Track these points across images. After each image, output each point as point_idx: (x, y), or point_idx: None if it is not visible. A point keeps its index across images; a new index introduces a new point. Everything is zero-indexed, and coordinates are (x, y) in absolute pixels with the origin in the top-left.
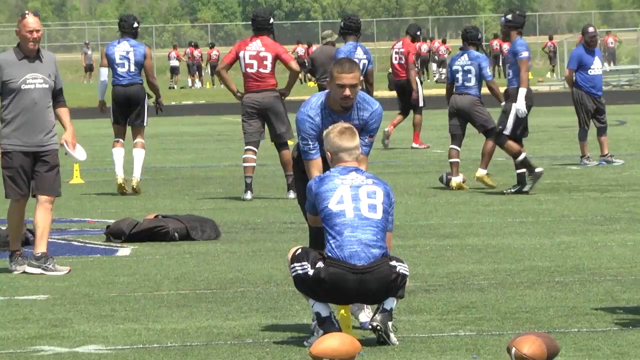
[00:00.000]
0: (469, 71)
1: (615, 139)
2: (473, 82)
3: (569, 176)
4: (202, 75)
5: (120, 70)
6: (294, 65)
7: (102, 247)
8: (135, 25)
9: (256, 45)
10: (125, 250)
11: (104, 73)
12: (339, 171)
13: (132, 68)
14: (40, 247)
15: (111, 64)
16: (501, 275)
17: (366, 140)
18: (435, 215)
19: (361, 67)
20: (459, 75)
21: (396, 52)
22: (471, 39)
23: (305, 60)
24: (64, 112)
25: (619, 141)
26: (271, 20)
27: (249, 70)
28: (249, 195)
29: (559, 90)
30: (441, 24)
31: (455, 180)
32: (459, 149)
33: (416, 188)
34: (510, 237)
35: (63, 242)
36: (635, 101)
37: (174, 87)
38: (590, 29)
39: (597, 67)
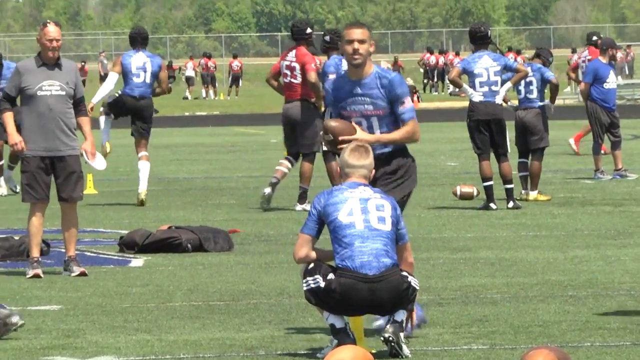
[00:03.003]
0: (530, 83)
1: (630, 153)
2: (535, 93)
3: (582, 190)
4: (215, 86)
5: (135, 80)
6: (310, 76)
7: (115, 257)
8: (147, 36)
9: (291, 55)
10: (138, 261)
11: (114, 79)
12: (348, 185)
13: (148, 79)
14: (68, 252)
15: (126, 73)
16: (514, 289)
17: (400, 107)
18: (449, 229)
19: None
20: (521, 88)
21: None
22: (543, 56)
23: None
24: (84, 121)
25: (633, 155)
26: (308, 30)
27: (284, 79)
28: (267, 190)
29: (573, 104)
30: (455, 37)
31: (532, 194)
32: (527, 161)
33: (429, 201)
34: (523, 251)
35: (76, 252)
36: None
37: (188, 98)
38: (608, 42)
39: (612, 80)
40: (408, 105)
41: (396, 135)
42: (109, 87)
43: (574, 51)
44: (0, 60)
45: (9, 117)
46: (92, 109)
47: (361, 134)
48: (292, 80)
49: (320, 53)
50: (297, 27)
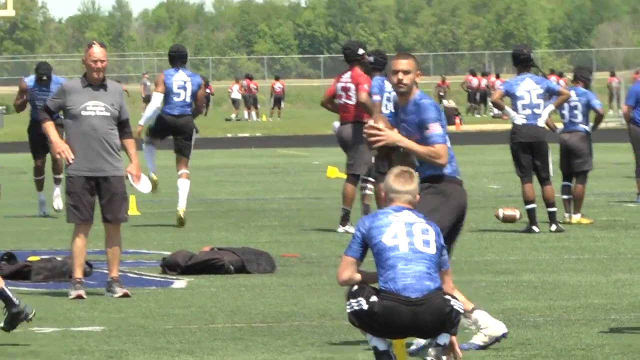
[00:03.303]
0: (575, 107)
1: None
2: (580, 118)
3: (625, 213)
4: (257, 108)
5: (175, 99)
6: (361, 96)
7: (158, 279)
8: (187, 55)
9: (346, 77)
10: (180, 283)
11: (159, 99)
12: (393, 209)
13: (188, 98)
14: (111, 273)
15: (167, 92)
16: (557, 312)
17: (426, 132)
18: (491, 251)
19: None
20: (565, 112)
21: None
22: (581, 76)
23: None
24: (129, 143)
25: None
26: (360, 51)
27: (338, 101)
28: (339, 229)
29: (615, 127)
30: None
31: (575, 218)
32: (570, 184)
33: (472, 223)
34: (566, 274)
35: (119, 273)
36: None
37: (230, 119)
38: None
39: None
40: (433, 130)
41: (421, 148)
42: (155, 106)
43: (612, 74)
44: (50, 74)
45: (50, 127)
46: (139, 132)
47: (390, 132)
48: (347, 101)
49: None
50: (348, 49)
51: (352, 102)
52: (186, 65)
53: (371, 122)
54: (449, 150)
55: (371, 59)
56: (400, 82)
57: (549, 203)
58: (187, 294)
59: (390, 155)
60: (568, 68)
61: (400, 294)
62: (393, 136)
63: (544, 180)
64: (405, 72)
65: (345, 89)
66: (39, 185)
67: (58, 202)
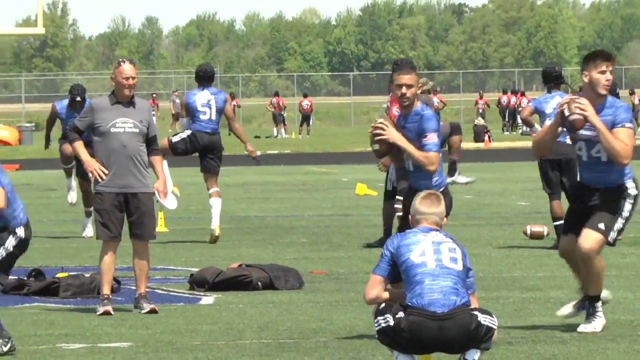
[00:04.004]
0: None
1: None
2: None
3: None
4: (286, 125)
5: (202, 117)
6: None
7: (186, 295)
8: (213, 74)
9: None
10: (208, 299)
11: (184, 124)
12: (420, 229)
13: (214, 116)
14: (139, 289)
15: (192, 112)
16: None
17: (423, 140)
18: (519, 268)
19: None
20: None
21: None
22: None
23: None
24: (157, 160)
25: None
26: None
27: None
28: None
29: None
30: (527, 77)
31: None
32: None
33: (500, 240)
34: None
35: (147, 290)
36: None
37: (259, 137)
38: None
39: None
40: (431, 139)
41: (417, 152)
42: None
43: (632, 92)
44: (84, 95)
45: (80, 146)
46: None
47: (392, 131)
48: None
49: None
50: (396, 64)
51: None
52: (214, 84)
53: (380, 120)
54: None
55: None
56: (404, 95)
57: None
58: (215, 310)
59: (387, 153)
60: None
61: (426, 309)
62: (395, 135)
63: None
64: (409, 87)
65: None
66: (68, 173)
67: (87, 231)
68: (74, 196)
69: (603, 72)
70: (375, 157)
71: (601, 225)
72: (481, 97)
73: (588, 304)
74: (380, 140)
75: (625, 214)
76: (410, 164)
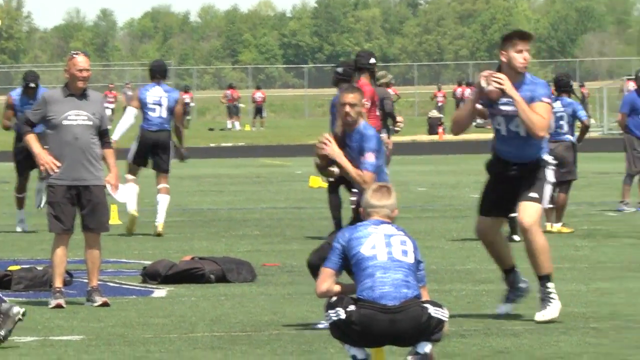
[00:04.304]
0: (561, 117)
1: None
2: (566, 128)
3: (606, 222)
4: (239, 117)
5: (151, 114)
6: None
7: (138, 288)
8: (167, 70)
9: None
10: (161, 292)
11: (132, 113)
12: (372, 222)
13: (165, 114)
14: (91, 282)
15: (142, 107)
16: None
17: (362, 158)
18: (472, 260)
19: None
20: (551, 122)
21: None
22: (564, 86)
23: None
24: (109, 153)
25: None
26: (372, 61)
27: None
28: None
29: (597, 136)
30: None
31: (556, 227)
32: (553, 193)
33: (453, 232)
34: None
35: (99, 282)
36: None
37: (213, 129)
38: None
39: None
40: (368, 159)
41: (352, 170)
42: (128, 121)
43: (582, 85)
44: (37, 82)
45: (32, 140)
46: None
47: (335, 148)
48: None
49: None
50: (360, 57)
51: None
52: (168, 79)
53: (326, 135)
54: (384, 176)
55: (340, 69)
56: (347, 114)
57: None
58: (167, 303)
59: (326, 168)
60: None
61: (377, 302)
62: (335, 152)
63: None
64: (352, 105)
65: None
66: (20, 203)
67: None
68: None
69: (520, 51)
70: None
71: (533, 194)
72: (439, 90)
73: (540, 286)
74: (320, 155)
75: (550, 179)
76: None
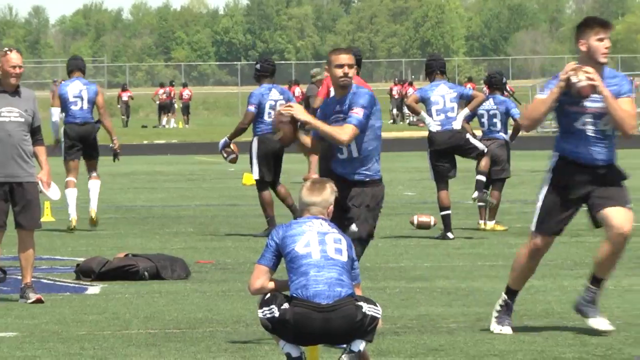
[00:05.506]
0: (494, 115)
1: None
2: (499, 126)
3: None
4: (175, 114)
5: (73, 108)
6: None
7: (72, 285)
8: (84, 65)
9: None
10: (94, 289)
11: (56, 113)
12: (306, 219)
13: (86, 106)
14: (25, 279)
15: (64, 102)
16: (471, 318)
17: (350, 112)
18: (406, 258)
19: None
20: (485, 120)
21: None
22: (496, 84)
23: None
24: (40, 150)
25: None
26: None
27: None
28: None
29: (530, 135)
30: (415, 67)
31: (489, 224)
32: (487, 191)
33: (387, 230)
34: (480, 281)
35: (33, 279)
36: None
37: (146, 126)
38: None
39: None
40: (356, 113)
41: (326, 127)
42: (57, 122)
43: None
44: None
45: None
46: (58, 141)
47: (297, 108)
48: None
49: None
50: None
51: None
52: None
53: (285, 105)
54: (374, 143)
55: (258, 66)
56: (346, 75)
57: (480, 172)
58: (101, 300)
59: (292, 138)
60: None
61: (311, 301)
62: (301, 111)
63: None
64: (350, 66)
65: None
66: None
67: None
68: None
69: (601, 40)
70: (283, 146)
71: (627, 199)
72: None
73: (597, 287)
74: (281, 124)
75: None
76: (341, 151)
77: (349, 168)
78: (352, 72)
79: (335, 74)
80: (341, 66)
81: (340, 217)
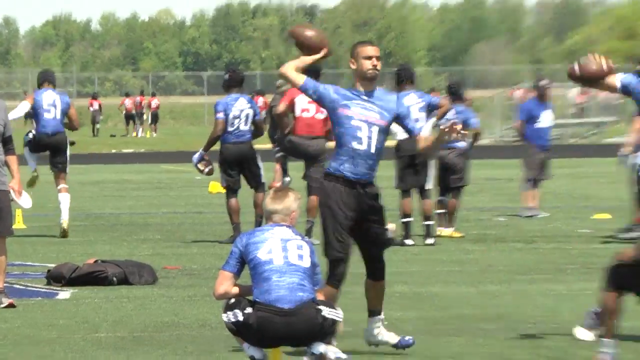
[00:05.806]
0: (454, 124)
1: (541, 192)
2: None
3: (495, 227)
4: (142, 123)
5: (46, 116)
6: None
7: (43, 290)
8: (54, 77)
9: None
10: (65, 294)
11: (25, 107)
12: (270, 226)
13: (59, 115)
14: None
15: (37, 109)
16: (428, 322)
17: (410, 124)
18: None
19: (245, 118)
20: None
21: None
22: (456, 94)
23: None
24: (12, 159)
25: (545, 194)
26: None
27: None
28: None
29: (489, 143)
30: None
31: (446, 231)
32: (445, 198)
33: None
34: (437, 286)
35: (5, 284)
36: (559, 155)
37: (114, 135)
38: (543, 82)
39: (545, 119)
40: (412, 121)
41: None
42: (20, 113)
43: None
44: None
45: None
46: None
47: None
48: (315, 115)
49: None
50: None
51: (322, 116)
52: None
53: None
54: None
55: (226, 76)
56: (375, 67)
57: (427, 217)
58: (72, 304)
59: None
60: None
61: (273, 305)
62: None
63: (425, 192)
64: (378, 58)
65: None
66: None
67: None
68: None
69: (369, 58)
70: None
71: None
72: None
73: None
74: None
75: None
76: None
77: (370, 168)
78: (379, 65)
79: (363, 66)
80: (369, 58)
81: (361, 220)
